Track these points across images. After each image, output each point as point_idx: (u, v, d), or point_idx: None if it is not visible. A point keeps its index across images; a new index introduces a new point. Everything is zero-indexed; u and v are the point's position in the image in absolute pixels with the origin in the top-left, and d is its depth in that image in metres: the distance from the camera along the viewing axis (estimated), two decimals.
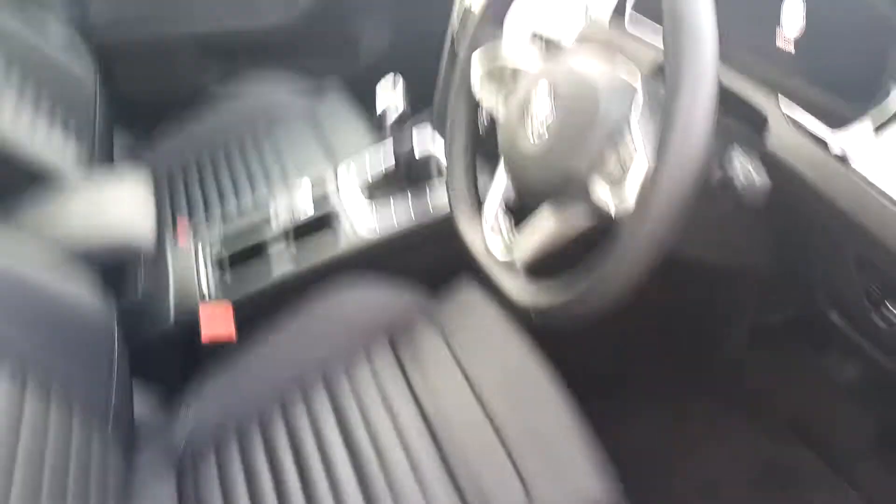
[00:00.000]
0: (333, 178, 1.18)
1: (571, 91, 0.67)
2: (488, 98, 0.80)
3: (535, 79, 0.72)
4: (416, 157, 1.10)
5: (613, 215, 0.60)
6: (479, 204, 0.83)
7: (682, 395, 1.26)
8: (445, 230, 0.88)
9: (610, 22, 0.88)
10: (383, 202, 1.11)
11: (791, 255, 0.72)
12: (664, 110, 0.55)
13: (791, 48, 0.73)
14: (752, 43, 0.74)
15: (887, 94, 0.61)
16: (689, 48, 0.53)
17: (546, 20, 0.96)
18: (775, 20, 0.73)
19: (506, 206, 0.78)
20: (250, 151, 1.42)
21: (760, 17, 0.74)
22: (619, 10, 0.87)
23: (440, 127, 1.24)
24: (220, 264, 1.12)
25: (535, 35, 0.87)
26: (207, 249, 1.14)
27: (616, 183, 0.60)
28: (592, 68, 0.69)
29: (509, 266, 0.74)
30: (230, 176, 1.38)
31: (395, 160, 1.10)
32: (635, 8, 0.86)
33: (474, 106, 0.83)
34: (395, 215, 1.08)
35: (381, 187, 1.13)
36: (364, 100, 1.74)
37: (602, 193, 0.62)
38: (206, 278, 1.09)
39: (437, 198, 1.09)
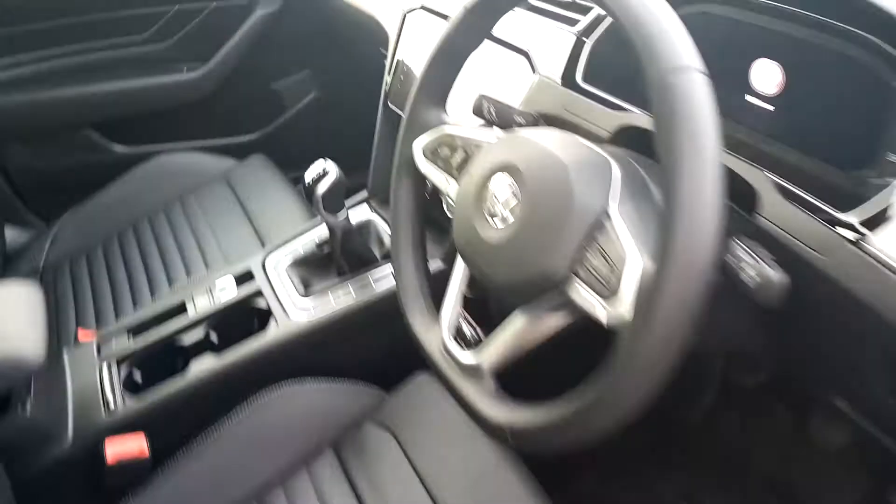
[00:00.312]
0: (260, 260, 1.04)
1: (536, 170, 0.57)
2: (435, 175, 0.70)
3: (490, 154, 0.63)
4: (354, 237, 0.98)
5: (606, 324, 0.50)
6: (432, 296, 0.71)
7: (654, 462, 1.18)
8: (390, 315, 0.77)
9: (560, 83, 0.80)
10: (318, 287, 0.98)
11: (790, 340, 0.64)
12: (666, 207, 0.45)
13: (766, 111, 0.66)
14: (724, 107, 0.67)
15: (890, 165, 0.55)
16: (687, 135, 0.45)
17: (492, 82, 0.87)
18: (746, 81, 0.67)
19: (466, 299, 0.67)
20: (164, 233, 1.27)
21: (732, 78, 0.67)
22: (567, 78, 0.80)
23: (378, 196, 1.14)
24: (128, 367, 0.96)
25: (482, 97, 0.77)
26: (113, 349, 0.97)
27: (604, 286, 0.50)
28: (555, 141, 0.60)
29: (473, 372, 0.63)
30: (142, 261, 1.22)
31: (332, 241, 0.98)
32: (584, 79, 0.78)
33: (420, 183, 0.73)
34: (333, 301, 0.96)
35: (315, 270, 1.01)
36: (288, 164, 1.64)
37: (587, 297, 0.52)
38: (111, 387, 0.93)
39: (380, 279, 0.97)
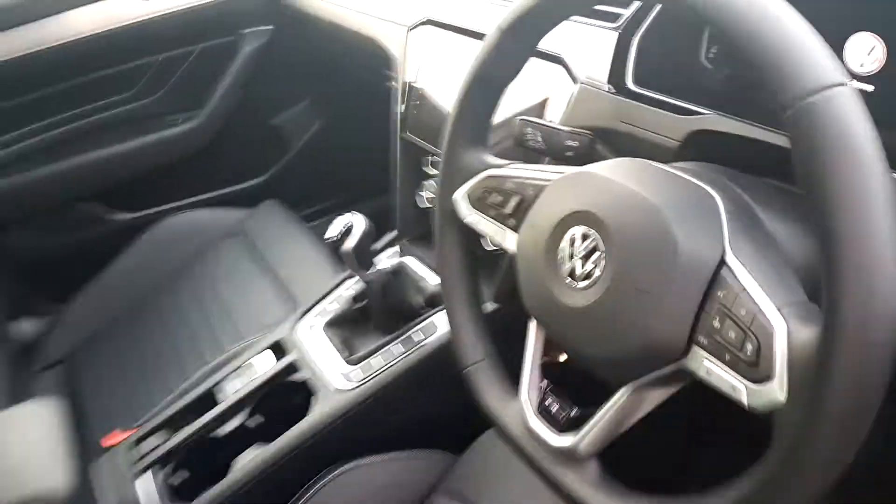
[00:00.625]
0: (294, 326, 0.94)
1: (621, 217, 0.47)
2: (486, 227, 0.59)
3: (556, 200, 0.52)
4: (392, 289, 0.88)
5: (748, 406, 0.40)
6: (502, 364, 0.61)
7: None
8: (446, 370, 0.67)
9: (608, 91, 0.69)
10: (362, 350, 0.88)
11: None
12: (826, 257, 0.35)
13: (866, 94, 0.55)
14: None
15: None
16: (846, 168, 0.34)
17: (522, 98, 0.77)
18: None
19: (545, 368, 0.57)
20: (183, 302, 1.18)
21: None
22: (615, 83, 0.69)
23: (407, 236, 1.04)
24: (167, 471, 0.87)
25: (522, 122, 0.67)
26: (147, 452, 0.88)
27: (738, 358, 0.40)
28: (634, 174, 0.49)
29: (571, 457, 0.52)
30: (165, 339, 1.13)
31: (368, 297, 0.88)
32: (635, 82, 0.67)
33: (468, 237, 0.63)
34: (382, 364, 0.86)
35: (353, 329, 0.91)
36: (302, 203, 1.54)
37: (719, 373, 0.41)
38: (153, 499, 0.83)
39: (427, 332, 0.87)
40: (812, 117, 0.35)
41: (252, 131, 1.54)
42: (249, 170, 1.56)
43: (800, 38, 0.36)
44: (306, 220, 1.51)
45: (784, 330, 0.38)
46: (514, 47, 0.56)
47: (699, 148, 0.61)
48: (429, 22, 0.96)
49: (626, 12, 0.69)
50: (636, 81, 0.68)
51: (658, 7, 0.66)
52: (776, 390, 0.38)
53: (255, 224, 1.31)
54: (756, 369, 0.39)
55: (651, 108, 0.65)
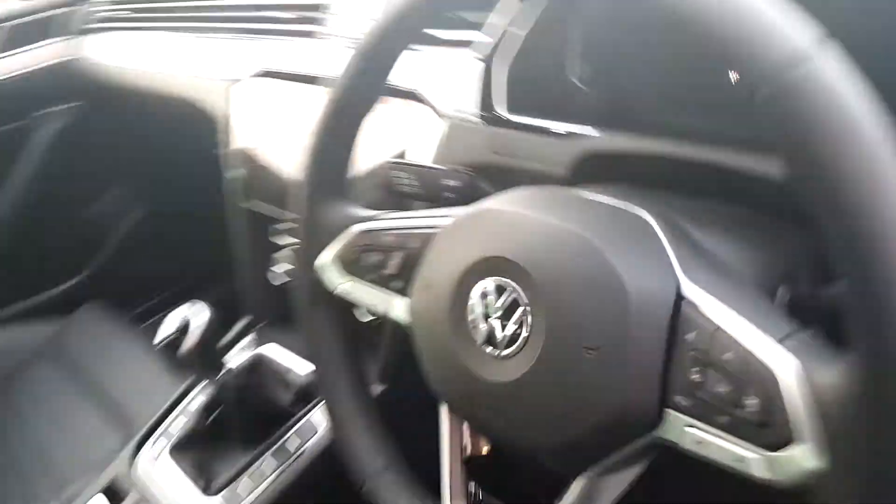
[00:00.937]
0: (129, 458, 0.75)
1: (543, 259, 0.36)
2: (366, 295, 0.47)
3: (453, 248, 0.41)
4: (252, 389, 0.72)
5: (776, 481, 0.30)
6: (408, 468, 0.48)
7: None
8: (338, 483, 0.53)
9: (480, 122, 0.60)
10: (223, 474, 0.71)
11: None
12: (848, 276, 0.26)
13: None
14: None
15: None
16: (849, 153, 0.26)
17: (379, 144, 0.66)
18: None
19: (471, 465, 0.45)
20: None
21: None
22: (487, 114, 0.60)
23: (260, 321, 0.89)
24: None
25: (389, 166, 0.56)
26: None
27: (741, 420, 0.30)
28: (545, 205, 0.40)
29: None
30: None
31: (220, 403, 0.72)
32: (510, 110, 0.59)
33: (343, 311, 0.50)
34: (252, 489, 0.69)
35: (209, 449, 0.73)
36: (131, 303, 1.32)
37: (710, 442, 0.31)
38: None
39: (303, 436, 0.71)
40: (788, 100, 0.27)
41: (59, 227, 1.31)
42: (60, 272, 1.31)
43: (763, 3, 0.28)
44: (139, 319, 1.29)
45: (795, 370, 0.29)
46: (371, 75, 0.45)
47: (591, 173, 0.54)
48: (257, 74, 0.84)
49: (487, 37, 0.61)
50: (510, 109, 0.59)
51: (528, 29, 0.59)
52: (806, 455, 0.28)
53: (70, 337, 1.08)
54: (768, 430, 0.29)
55: (530, 135, 0.57)
